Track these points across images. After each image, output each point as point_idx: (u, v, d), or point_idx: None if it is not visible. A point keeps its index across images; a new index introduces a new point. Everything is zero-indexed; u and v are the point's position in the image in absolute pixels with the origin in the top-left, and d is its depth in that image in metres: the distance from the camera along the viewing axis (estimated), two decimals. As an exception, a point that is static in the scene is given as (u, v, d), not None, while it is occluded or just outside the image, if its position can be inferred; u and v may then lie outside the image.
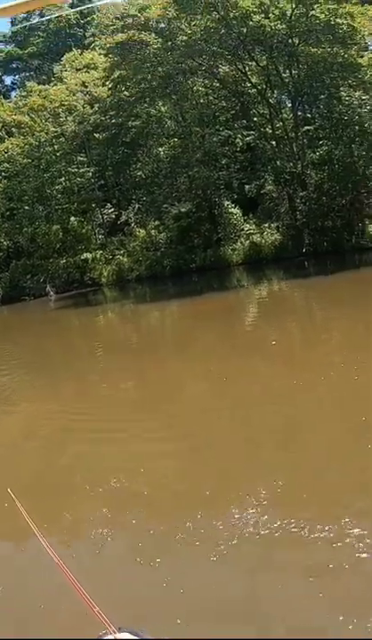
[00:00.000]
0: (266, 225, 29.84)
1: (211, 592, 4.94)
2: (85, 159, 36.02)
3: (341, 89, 27.51)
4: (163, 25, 29.50)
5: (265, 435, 8.23)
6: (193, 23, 28.00)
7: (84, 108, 35.07)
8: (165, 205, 32.46)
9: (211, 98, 31.92)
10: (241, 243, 29.47)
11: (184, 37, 27.94)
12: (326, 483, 6.38)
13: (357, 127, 27.11)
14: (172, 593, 5.04)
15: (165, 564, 5.50)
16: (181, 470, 7.62)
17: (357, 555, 4.98)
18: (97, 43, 36.18)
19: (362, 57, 27.95)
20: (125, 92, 31.59)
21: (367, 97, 27.03)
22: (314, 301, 19.30)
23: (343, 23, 26.31)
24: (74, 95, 35.62)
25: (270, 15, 26.87)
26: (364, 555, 4.95)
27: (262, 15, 26.71)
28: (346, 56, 26.92)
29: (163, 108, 32.96)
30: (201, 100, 31.74)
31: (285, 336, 14.77)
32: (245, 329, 16.64)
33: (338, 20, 26.27)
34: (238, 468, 7.24)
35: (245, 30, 27.10)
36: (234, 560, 5.29)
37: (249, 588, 4.91)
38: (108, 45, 30.77)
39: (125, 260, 31.77)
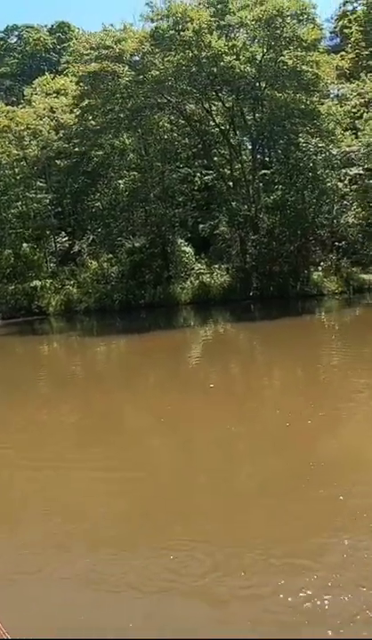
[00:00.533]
0: (216, 266, 30.47)
1: (131, 633, 4.97)
2: (45, 185, 35.98)
3: (299, 135, 28.71)
4: (137, 58, 30.03)
5: (197, 477, 8.32)
6: (166, 59, 28.63)
7: (49, 133, 35.12)
8: (119, 238, 32.73)
9: (175, 134, 32.57)
10: (191, 282, 29.91)
11: (156, 72, 28.51)
12: (254, 529, 6.49)
13: (310, 174, 28.26)
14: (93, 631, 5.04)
15: (92, 600, 5.43)
16: (110, 508, 7.59)
17: (276, 608, 5.07)
18: (70, 70, 36.38)
19: (322, 104, 29.26)
20: (92, 122, 31.86)
21: (323, 145, 28.22)
22: (257, 345, 19.77)
23: (308, 70, 27.74)
24: (41, 119, 35.65)
25: (241, 57, 27.89)
26: (284, 610, 5.04)
27: (234, 57, 27.68)
28: (308, 102, 28.23)
29: (127, 141, 33.27)
30: (165, 136, 32.35)
31: (225, 379, 15.03)
32: (188, 369, 16.81)
33: (304, 67, 27.72)
34: (168, 511, 7.27)
35: (215, 70, 28.00)
36: (158, 604, 5.30)
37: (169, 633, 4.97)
38: (80, 73, 31.06)
39: (75, 290, 31.64)
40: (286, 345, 18.00)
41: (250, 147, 32.55)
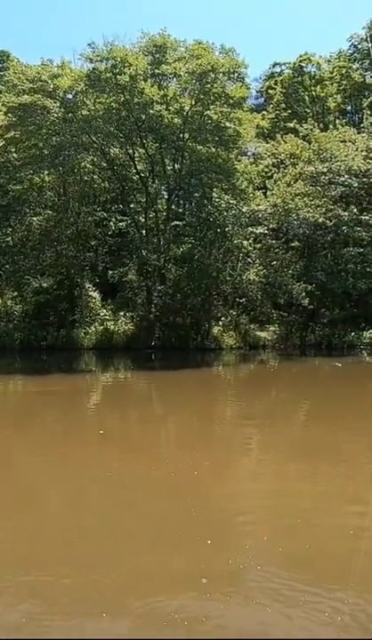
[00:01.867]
0: (122, 313, 30.70)
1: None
2: None
3: (214, 190, 29.69)
4: (70, 96, 30.19)
5: (65, 524, 8.20)
6: (98, 100, 29.02)
7: (-32, 162, 34.18)
8: (26, 277, 32.17)
9: (95, 177, 32.63)
10: (95, 327, 29.93)
11: (86, 112, 28.81)
12: (118, 574, 6.56)
13: (219, 230, 29.20)
14: None
15: None
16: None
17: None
18: (1, 99, 36.32)
19: (240, 161, 30.60)
20: (14, 155, 31.45)
21: (235, 202, 29.49)
22: (155, 394, 20.07)
23: (230, 127, 28.93)
24: None
25: (170, 108, 28.76)
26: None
27: (164, 106, 28.50)
28: (226, 158, 29.37)
29: (47, 178, 32.99)
30: (86, 177, 32.35)
31: (118, 426, 15.15)
32: (82, 414, 16.73)
33: (227, 124, 28.87)
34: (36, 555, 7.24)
35: (143, 117, 28.59)
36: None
37: None
38: (10, 104, 30.69)
39: (-25, 327, 30.84)
40: (182, 395, 18.52)
41: (166, 196, 33.25)
